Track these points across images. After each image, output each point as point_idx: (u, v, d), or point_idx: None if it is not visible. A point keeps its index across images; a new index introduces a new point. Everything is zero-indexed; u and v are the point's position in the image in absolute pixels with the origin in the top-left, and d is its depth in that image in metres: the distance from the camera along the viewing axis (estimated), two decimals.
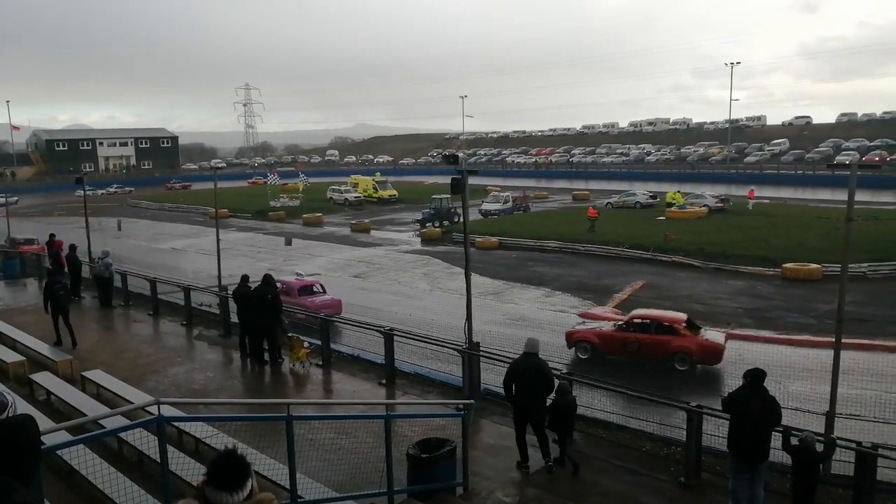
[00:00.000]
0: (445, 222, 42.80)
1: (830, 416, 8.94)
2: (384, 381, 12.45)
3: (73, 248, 20.79)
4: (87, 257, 23.23)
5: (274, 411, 7.53)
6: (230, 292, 15.36)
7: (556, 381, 9.13)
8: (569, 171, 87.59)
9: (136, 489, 6.55)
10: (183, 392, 11.81)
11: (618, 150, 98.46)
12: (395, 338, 12.71)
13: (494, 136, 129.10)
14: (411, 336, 13.56)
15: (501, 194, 51.46)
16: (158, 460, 5.80)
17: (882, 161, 63.07)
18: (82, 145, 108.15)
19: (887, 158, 66.46)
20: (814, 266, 25.20)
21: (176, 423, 8.23)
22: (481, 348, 11.84)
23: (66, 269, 20.30)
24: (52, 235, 23.90)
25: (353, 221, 46.22)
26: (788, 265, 25.68)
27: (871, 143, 76.18)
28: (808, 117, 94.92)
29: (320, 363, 13.54)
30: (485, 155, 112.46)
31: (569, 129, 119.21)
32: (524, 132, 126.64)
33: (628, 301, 22.89)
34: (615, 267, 28.97)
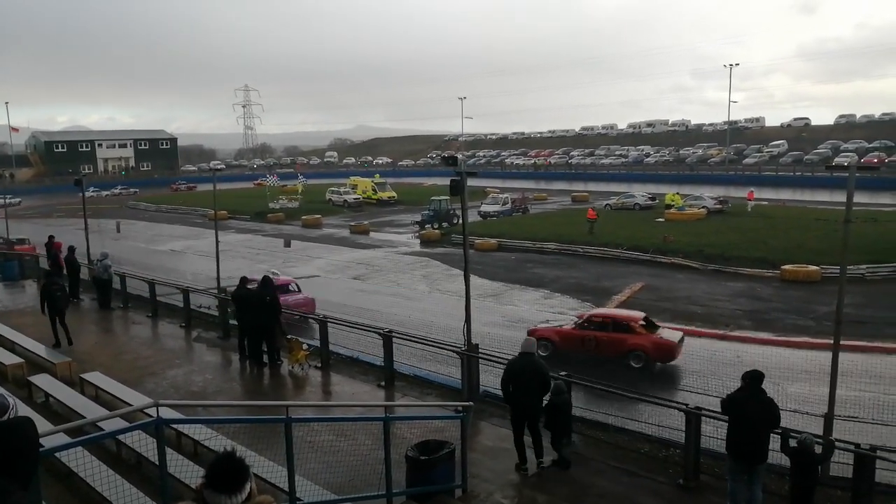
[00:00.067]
0: (444, 224, 42.81)
1: (829, 418, 8.95)
2: (383, 383, 12.45)
3: (71, 249, 20.79)
4: (85, 259, 23.24)
5: (273, 413, 7.53)
6: (228, 293, 15.37)
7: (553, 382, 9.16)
8: (568, 173, 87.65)
9: (134, 492, 6.55)
10: (182, 394, 11.81)
11: (617, 152, 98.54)
12: (394, 340, 12.72)
13: (493, 137, 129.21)
14: (410, 338, 13.57)
15: (500, 196, 51.47)
16: (157, 463, 5.79)
17: (881, 162, 63.15)
18: (81, 147, 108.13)
19: (886, 160, 66.53)
20: (812, 268, 25.22)
21: (175, 426, 8.23)
22: (480, 350, 11.85)
23: (64, 271, 20.30)
24: (51, 237, 23.91)
25: (353, 223, 46.24)
26: (787, 267, 25.70)
27: (870, 145, 76.29)
28: (807, 119, 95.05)
29: (319, 365, 13.54)
30: (484, 156, 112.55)
31: (568, 131, 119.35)
32: (523, 134, 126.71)
33: (627, 302, 22.89)
34: (614, 268, 28.99)
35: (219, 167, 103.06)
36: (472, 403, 9.62)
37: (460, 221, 16.00)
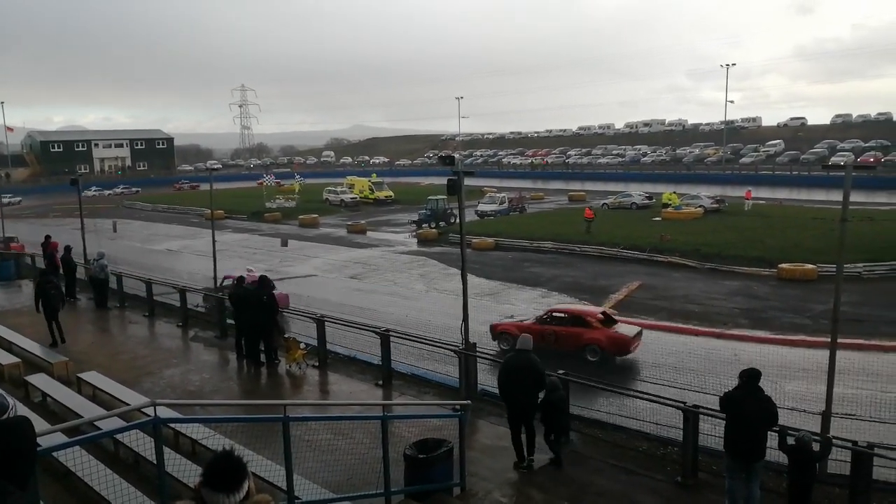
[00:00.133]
0: (442, 223, 42.79)
1: (826, 416, 8.98)
2: (381, 382, 12.44)
3: (68, 249, 20.74)
4: (82, 259, 23.19)
5: (270, 412, 7.51)
6: (225, 292, 15.35)
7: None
8: (565, 172, 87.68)
9: (132, 491, 6.54)
10: (179, 393, 11.78)
11: (614, 151, 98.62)
12: (392, 339, 12.70)
13: (491, 137, 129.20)
14: (408, 337, 13.56)
15: (497, 195, 51.44)
16: (155, 462, 5.78)
17: (877, 162, 63.39)
18: (77, 146, 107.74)
19: (882, 159, 66.75)
20: (809, 266, 25.27)
21: (172, 425, 8.22)
22: (478, 349, 11.85)
23: (61, 271, 20.25)
24: (47, 237, 23.82)
25: (350, 222, 46.19)
26: (784, 266, 25.75)
27: (866, 144, 76.51)
28: (804, 118, 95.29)
29: (317, 364, 13.53)
30: (481, 156, 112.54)
31: (565, 131, 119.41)
32: (520, 133, 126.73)
33: (624, 301, 22.93)
34: (611, 267, 29.01)
35: (215, 167, 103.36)
36: (469, 402, 9.62)
37: (457, 221, 16.04)
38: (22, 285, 22.77)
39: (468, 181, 12.99)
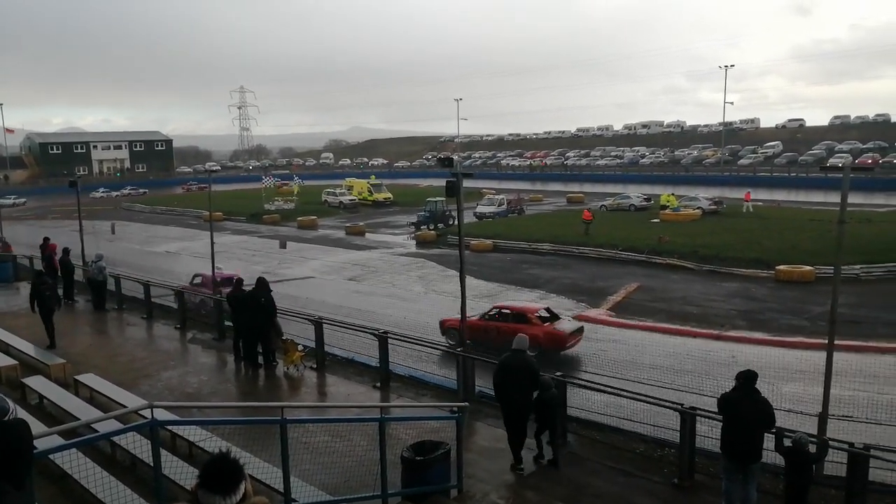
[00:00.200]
0: (440, 225, 42.82)
1: (823, 418, 9.00)
2: (378, 384, 12.45)
3: (66, 251, 20.73)
4: (80, 261, 23.17)
5: (268, 414, 7.52)
6: (223, 294, 15.35)
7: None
8: (563, 174, 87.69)
9: (129, 493, 6.54)
10: (176, 396, 11.78)
11: (612, 153, 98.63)
12: (390, 340, 12.71)
13: (489, 138, 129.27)
14: (406, 339, 13.57)
15: (496, 197, 51.48)
16: (152, 464, 5.78)
17: (875, 163, 63.54)
18: (76, 148, 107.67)
19: (880, 161, 66.91)
20: (807, 268, 25.30)
21: (169, 427, 8.21)
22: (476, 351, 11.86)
23: (59, 273, 20.24)
24: (45, 239, 23.80)
25: (348, 224, 46.20)
26: (782, 267, 25.77)
27: (864, 146, 76.61)
28: (802, 120, 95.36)
29: (314, 366, 13.53)
30: (479, 158, 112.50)
31: (563, 132, 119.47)
32: (519, 135, 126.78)
33: (623, 303, 22.94)
34: (609, 269, 29.02)
35: (214, 169, 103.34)
36: (467, 404, 9.63)
37: (456, 222, 16.07)
38: (19, 287, 22.75)
39: (467, 183, 13.02)
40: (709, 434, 8.81)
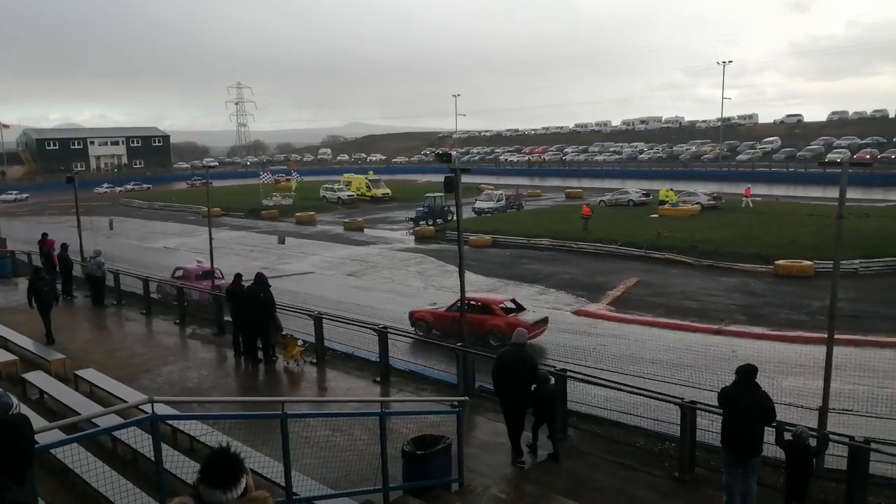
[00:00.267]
0: (439, 220, 42.80)
1: (823, 412, 9.01)
2: (379, 379, 12.46)
3: (64, 247, 20.70)
4: (79, 256, 23.13)
5: (268, 409, 7.52)
6: (222, 290, 15.34)
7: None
8: (562, 170, 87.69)
9: (130, 487, 6.53)
10: (177, 390, 11.78)
11: (611, 149, 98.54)
12: (390, 335, 12.71)
13: (487, 134, 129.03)
14: (406, 333, 13.57)
15: (495, 192, 51.45)
16: (153, 459, 5.78)
17: (873, 158, 63.51)
18: (73, 144, 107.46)
19: (878, 156, 66.92)
20: (806, 263, 25.33)
21: (170, 422, 8.22)
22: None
23: (57, 269, 20.20)
24: (44, 234, 23.76)
25: (347, 220, 46.17)
26: (781, 262, 25.79)
27: (862, 141, 76.60)
28: (800, 115, 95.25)
29: (314, 361, 13.54)
30: (478, 153, 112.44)
31: (562, 128, 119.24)
32: (517, 131, 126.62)
33: (622, 298, 22.96)
34: (608, 264, 29.03)
35: (212, 164, 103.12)
36: (467, 398, 9.62)
37: (454, 218, 16.09)
38: (18, 283, 22.71)
39: (465, 178, 13.00)
40: (709, 428, 8.82)
